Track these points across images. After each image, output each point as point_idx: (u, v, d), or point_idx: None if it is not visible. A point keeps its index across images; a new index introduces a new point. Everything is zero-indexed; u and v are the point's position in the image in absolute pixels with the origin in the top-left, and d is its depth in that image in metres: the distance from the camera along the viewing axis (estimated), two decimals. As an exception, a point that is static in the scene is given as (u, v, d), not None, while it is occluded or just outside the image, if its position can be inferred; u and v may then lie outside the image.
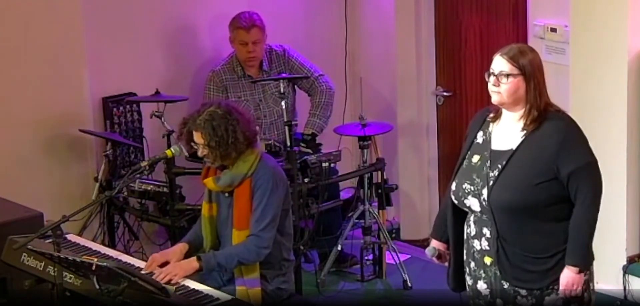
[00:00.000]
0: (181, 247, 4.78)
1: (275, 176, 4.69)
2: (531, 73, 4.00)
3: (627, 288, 5.70)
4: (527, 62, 4.00)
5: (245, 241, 4.64)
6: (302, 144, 6.31)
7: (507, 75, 3.99)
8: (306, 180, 6.02)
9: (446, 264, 4.37)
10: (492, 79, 4.03)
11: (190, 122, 4.67)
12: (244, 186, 4.67)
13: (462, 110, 6.87)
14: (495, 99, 4.05)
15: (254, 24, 6.41)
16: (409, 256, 6.74)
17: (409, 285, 6.31)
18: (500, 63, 4.02)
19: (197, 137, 4.64)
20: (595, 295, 4.22)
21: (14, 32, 6.04)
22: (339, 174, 6.47)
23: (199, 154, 4.69)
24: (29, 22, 6.06)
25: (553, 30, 6.02)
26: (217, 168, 4.73)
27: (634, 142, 5.66)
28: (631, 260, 5.73)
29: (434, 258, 4.38)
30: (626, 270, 5.70)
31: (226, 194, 4.75)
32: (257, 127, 4.86)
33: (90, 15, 6.28)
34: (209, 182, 4.74)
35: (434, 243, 4.38)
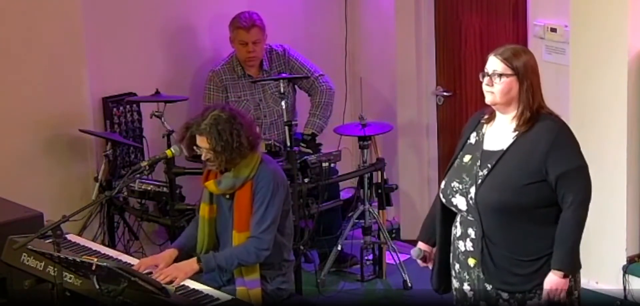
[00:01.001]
0: (170, 252, 4.75)
1: (276, 179, 4.69)
2: (524, 74, 4.00)
3: (627, 288, 5.69)
4: (521, 64, 4.00)
5: (245, 243, 4.64)
6: (302, 144, 6.31)
7: (500, 75, 4.00)
8: (306, 180, 6.02)
9: (430, 266, 4.37)
10: (485, 79, 4.05)
11: (193, 126, 4.65)
12: (245, 188, 4.68)
13: (462, 110, 6.87)
14: (488, 99, 4.06)
15: (254, 24, 6.41)
16: (409, 256, 6.72)
17: (409, 285, 6.31)
18: (494, 63, 4.03)
19: (202, 141, 4.62)
20: (580, 299, 4.18)
21: (14, 33, 6.04)
22: (339, 174, 6.47)
23: (203, 158, 4.68)
24: (29, 23, 6.06)
25: (553, 30, 6.02)
26: (218, 171, 4.73)
27: (634, 142, 5.66)
28: (631, 260, 5.73)
29: (419, 260, 4.37)
30: (626, 270, 5.69)
31: (227, 197, 4.75)
32: (258, 129, 4.86)
33: (90, 15, 6.28)
34: (211, 185, 4.74)
35: (421, 245, 4.38)
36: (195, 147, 4.69)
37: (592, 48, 5.67)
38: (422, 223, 4.46)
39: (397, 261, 6.37)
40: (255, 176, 4.67)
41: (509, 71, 3.99)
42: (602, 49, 5.63)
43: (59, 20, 6.16)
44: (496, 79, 4.01)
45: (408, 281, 6.31)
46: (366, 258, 6.49)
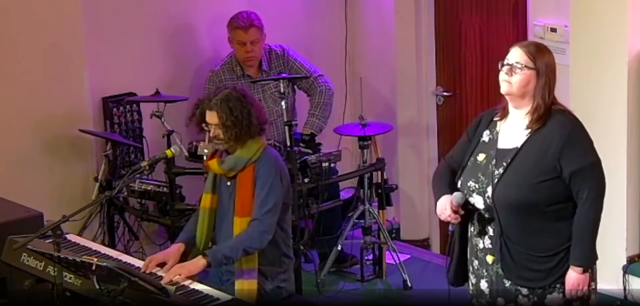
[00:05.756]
0: (178, 247, 4.76)
1: (277, 165, 4.73)
2: (544, 71, 4.05)
3: (627, 288, 5.70)
4: (543, 62, 4.06)
5: (247, 229, 4.65)
6: (302, 145, 6.31)
7: (523, 66, 4.03)
8: (306, 180, 6.02)
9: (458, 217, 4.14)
10: (505, 68, 4.08)
11: (204, 102, 4.71)
12: (247, 172, 4.69)
13: (462, 110, 6.87)
14: (504, 88, 4.09)
15: (252, 24, 6.41)
16: (409, 256, 6.74)
17: (409, 285, 6.31)
18: (517, 54, 4.07)
19: (211, 117, 4.66)
20: (597, 294, 4.22)
21: (14, 32, 6.04)
22: (339, 174, 6.47)
23: (211, 134, 4.70)
24: (29, 22, 6.06)
25: (553, 30, 6.02)
26: (223, 152, 4.75)
27: (634, 142, 5.66)
28: (631, 260, 5.73)
29: (455, 211, 4.11)
30: (626, 270, 5.70)
31: (228, 183, 4.76)
32: (266, 116, 4.89)
33: (90, 15, 6.28)
34: (214, 164, 4.75)
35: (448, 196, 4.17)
36: (204, 125, 4.71)
37: (592, 48, 5.67)
38: (436, 187, 4.26)
39: (397, 261, 6.37)
40: (258, 160, 4.70)
41: (531, 65, 4.04)
42: (602, 49, 5.63)
43: (59, 20, 6.16)
44: (517, 70, 4.04)
45: (408, 281, 6.31)
46: (366, 258, 6.49)
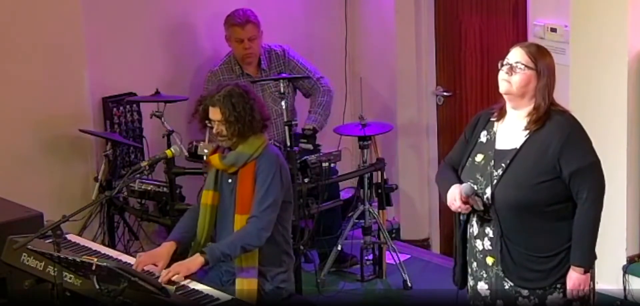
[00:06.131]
0: (168, 247, 4.72)
1: (278, 162, 4.73)
2: (544, 72, 4.06)
3: (627, 288, 5.70)
4: (544, 64, 4.08)
5: (246, 226, 4.65)
6: (303, 140, 6.30)
7: (524, 67, 4.04)
8: (306, 180, 6.02)
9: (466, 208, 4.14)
10: (505, 67, 4.09)
11: (207, 99, 4.72)
12: (248, 169, 4.70)
13: (462, 110, 6.87)
14: (503, 87, 4.10)
15: (249, 20, 6.41)
16: (409, 256, 6.74)
17: (409, 285, 6.31)
18: (518, 54, 4.09)
19: (215, 113, 4.66)
20: (596, 294, 4.23)
21: (14, 32, 6.04)
22: (339, 174, 6.47)
23: (215, 131, 4.71)
24: (29, 23, 6.06)
25: (553, 30, 6.02)
26: (225, 148, 4.76)
27: (634, 142, 5.66)
28: (631, 260, 5.73)
29: (470, 198, 4.11)
30: (626, 270, 5.70)
31: (229, 180, 4.76)
32: (268, 112, 4.90)
33: (90, 15, 6.28)
34: (215, 159, 4.76)
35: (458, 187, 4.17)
36: (207, 122, 4.72)
37: (592, 48, 5.67)
38: (443, 183, 4.25)
39: (397, 261, 6.37)
40: (259, 157, 4.70)
41: (532, 65, 4.06)
42: (602, 49, 5.63)
43: (59, 20, 6.16)
44: (517, 70, 4.05)
45: (408, 281, 6.31)
46: (366, 258, 6.49)
